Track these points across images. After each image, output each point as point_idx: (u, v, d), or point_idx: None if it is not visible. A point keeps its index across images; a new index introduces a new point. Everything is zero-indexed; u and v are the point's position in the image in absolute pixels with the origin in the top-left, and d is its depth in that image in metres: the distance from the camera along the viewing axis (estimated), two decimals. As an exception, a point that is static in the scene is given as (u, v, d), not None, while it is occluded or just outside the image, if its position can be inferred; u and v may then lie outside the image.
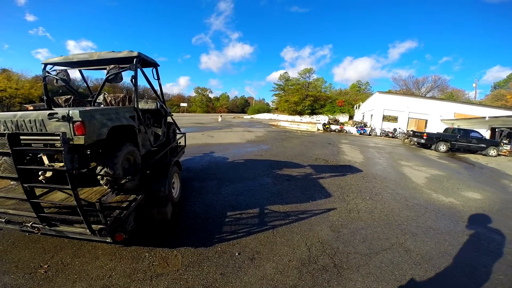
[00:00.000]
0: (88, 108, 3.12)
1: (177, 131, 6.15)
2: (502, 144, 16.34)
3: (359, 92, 57.12)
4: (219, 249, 3.31)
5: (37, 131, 2.52)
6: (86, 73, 4.89)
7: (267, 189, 5.56)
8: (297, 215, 4.36)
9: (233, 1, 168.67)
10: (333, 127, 27.09)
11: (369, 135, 25.44)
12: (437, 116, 27.29)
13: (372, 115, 30.87)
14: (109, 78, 3.51)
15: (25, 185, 2.30)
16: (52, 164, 3.62)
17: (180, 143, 6.39)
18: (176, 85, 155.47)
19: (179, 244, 3.37)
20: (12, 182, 3.56)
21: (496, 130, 19.99)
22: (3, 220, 2.67)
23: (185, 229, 3.78)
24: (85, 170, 3.79)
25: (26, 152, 2.96)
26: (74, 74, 3.74)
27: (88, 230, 2.44)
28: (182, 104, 78.12)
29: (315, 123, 31.11)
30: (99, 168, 2.96)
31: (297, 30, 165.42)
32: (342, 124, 31.01)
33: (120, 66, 3.57)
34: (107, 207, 2.89)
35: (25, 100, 31.42)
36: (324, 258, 3.22)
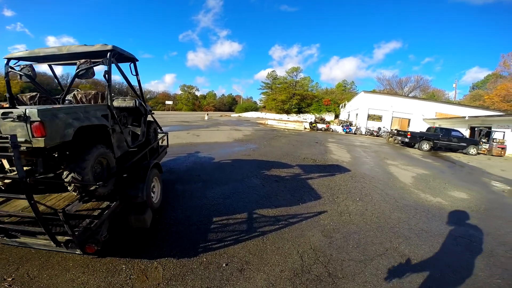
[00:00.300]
0: (49, 106, 2.74)
1: (159, 130, 5.79)
2: (481, 143, 16.93)
3: (344, 92, 58.13)
4: (205, 259, 3.03)
5: None
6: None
7: (256, 191, 5.31)
8: (287, 220, 4.14)
9: None
10: (320, 126, 27.20)
11: (355, 133, 25.80)
12: (420, 115, 28.15)
13: (357, 114, 31.40)
14: (79, 73, 3.17)
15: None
16: (13, 168, 3.23)
17: (162, 142, 6.02)
18: (162, 82, 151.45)
19: (160, 255, 3.07)
20: None
21: (476, 129, 20.81)
22: None
23: (167, 238, 3.47)
24: (51, 175, 3.41)
25: None
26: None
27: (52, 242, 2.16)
28: (168, 102, 76.31)
29: (302, 121, 31.24)
30: (65, 173, 2.63)
31: (285, 29, 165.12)
32: (328, 123, 31.26)
33: (92, 60, 3.24)
34: (76, 215, 2.63)
35: (0, 98, 29.48)
36: (318, 266, 3.02)
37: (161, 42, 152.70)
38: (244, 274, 2.80)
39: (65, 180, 2.60)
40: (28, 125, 2.12)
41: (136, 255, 3.03)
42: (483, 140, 17.62)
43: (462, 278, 2.99)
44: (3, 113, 2.12)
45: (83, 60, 3.17)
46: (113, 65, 3.51)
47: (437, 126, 20.65)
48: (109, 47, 3.26)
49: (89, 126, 2.80)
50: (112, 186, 3.24)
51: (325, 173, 7.29)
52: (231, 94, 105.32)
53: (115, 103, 4.31)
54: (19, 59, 3.56)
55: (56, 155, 3.19)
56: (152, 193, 4.15)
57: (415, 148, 16.38)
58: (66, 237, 2.24)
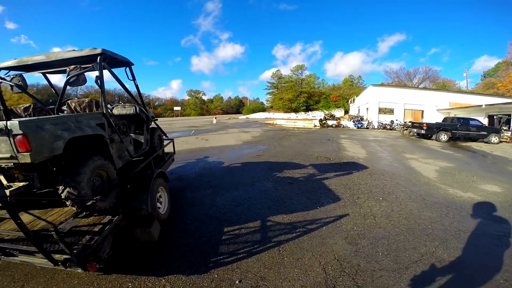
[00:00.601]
0: (34, 117, 2.54)
1: (164, 137, 5.55)
2: (503, 130, 16.06)
3: (352, 86, 56.86)
4: (216, 276, 2.73)
5: None
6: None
7: (268, 196, 4.95)
8: (305, 226, 3.76)
9: (221, 1, 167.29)
10: (330, 122, 26.62)
11: (367, 128, 25.04)
12: (433, 106, 27.17)
13: (367, 108, 30.57)
14: (70, 81, 2.97)
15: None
16: (10, 184, 3.05)
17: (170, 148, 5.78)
18: (169, 88, 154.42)
19: (168, 271, 2.81)
20: None
21: (495, 117, 19.92)
22: None
23: (175, 252, 3.19)
24: (50, 189, 3.20)
25: None
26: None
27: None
28: (176, 108, 77.18)
29: (311, 119, 30.70)
30: (60, 188, 2.42)
31: (286, 27, 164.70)
32: (339, 119, 30.62)
33: (83, 66, 3.04)
34: (75, 231, 2.49)
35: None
36: (345, 279, 2.64)
37: (164, 48, 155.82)
38: (260, 293, 2.47)
39: (61, 195, 2.42)
40: (11, 139, 1.93)
41: (143, 272, 2.80)
42: (504, 128, 16.71)
43: (518, 288, 2.54)
44: None
45: (73, 67, 2.98)
46: (107, 70, 3.31)
47: (454, 116, 19.93)
48: (99, 50, 3.03)
49: (83, 137, 2.59)
50: (114, 199, 3.02)
51: (342, 172, 6.85)
52: (237, 96, 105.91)
53: (115, 111, 4.11)
54: (8, 69, 3.39)
55: (54, 168, 2.99)
56: (159, 203, 3.91)
57: (432, 140, 15.70)
58: (65, 256, 2.09)
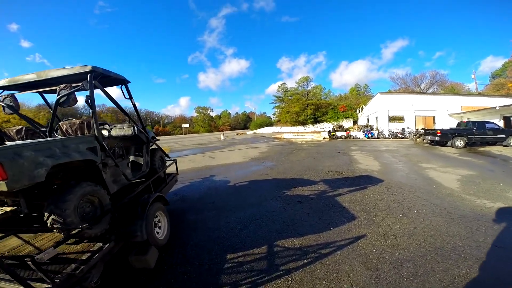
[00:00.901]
0: (13, 143, 2.39)
1: (166, 158, 5.37)
2: (522, 132, 15.21)
3: (359, 96, 56.47)
4: (217, 314, 2.38)
5: None
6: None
7: (276, 217, 4.57)
8: (317, 251, 3.36)
9: (224, 17, 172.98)
10: (339, 133, 26.09)
11: (378, 138, 24.36)
12: (444, 111, 26.46)
13: (377, 117, 30.00)
14: (60, 101, 2.83)
15: None
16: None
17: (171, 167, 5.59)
18: (178, 106, 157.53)
19: (164, 307, 2.47)
20: None
21: (511, 118, 19.05)
22: None
23: (172, 281, 2.89)
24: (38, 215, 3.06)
25: None
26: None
27: None
28: (184, 126, 78.41)
29: (319, 131, 30.28)
30: (45, 215, 2.28)
31: (290, 39, 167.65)
32: (348, 129, 30.07)
33: (73, 85, 2.89)
34: (62, 259, 2.40)
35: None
36: (366, 318, 2.24)
37: (171, 65, 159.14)
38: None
39: (47, 222, 2.27)
40: None
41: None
42: (523, 129, 15.86)
43: None
44: None
45: (63, 86, 2.84)
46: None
47: (468, 120, 19.23)
48: (88, 68, 2.91)
49: (72, 162, 2.45)
50: (107, 225, 2.83)
51: (355, 187, 6.40)
52: (244, 111, 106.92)
53: (113, 132, 3.97)
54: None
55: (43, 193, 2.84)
56: (157, 228, 3.68)
57: (447, 146, 15.01)
58: (45, 285, 1.98)
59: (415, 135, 19.01)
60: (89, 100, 2.88)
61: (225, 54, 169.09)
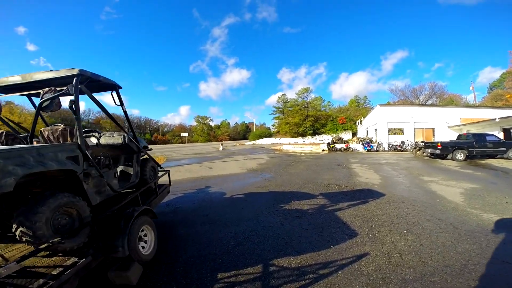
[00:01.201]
0: None
1: (158, 168, 5.15)
2: (523, 144, 15.12)
3: (358, 107, 56.66)
4: None
5: None
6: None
7: (273, 233, 4.29)
8: (316, 272, 3.08)
9: (227, 27, 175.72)
10: (338, 146, 25.92)
11: (377, 150, 24.17)
12: (443, 123, 26.40)
13: (376, 129, 29.93)
14: (43, 105, 2.67)
15: None
16: None
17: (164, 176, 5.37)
18: (178, 114, 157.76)
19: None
20: None
21: (511, 130, 19.00)
22: None
23: (156, 307, 2.60)
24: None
25: None
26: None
27: None
28: (183, 135, 78.29)
29: (319, 143, 30.12)
30: (14, 226, 2.08)
31: (291, 50, 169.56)
32: (347, 142, 29.95)
33: (57, 89, 2.73)
34: (31, 272, 2.22)
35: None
36: None
37: (173, 74, 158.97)
38: None
39: (16, 234, 2.08)
40: None
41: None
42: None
43: None
44: None
45: (47, 89, 2.69)
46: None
47: (467, 132, 19.17)
48: (75, 71, 2.74)
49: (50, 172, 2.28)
50: (86, 238, 2.61)
51: (356, 201, 6.13)
52: (244, 122, 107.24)
53: (102, 140, 3.78)
54: None
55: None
56: (143, 242, 3.43)
57: (448, 159, 14.84)
58: None
59: (415, 148, 18.89)
60: (73, 106, 2.70)
61: (226, 64, 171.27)
